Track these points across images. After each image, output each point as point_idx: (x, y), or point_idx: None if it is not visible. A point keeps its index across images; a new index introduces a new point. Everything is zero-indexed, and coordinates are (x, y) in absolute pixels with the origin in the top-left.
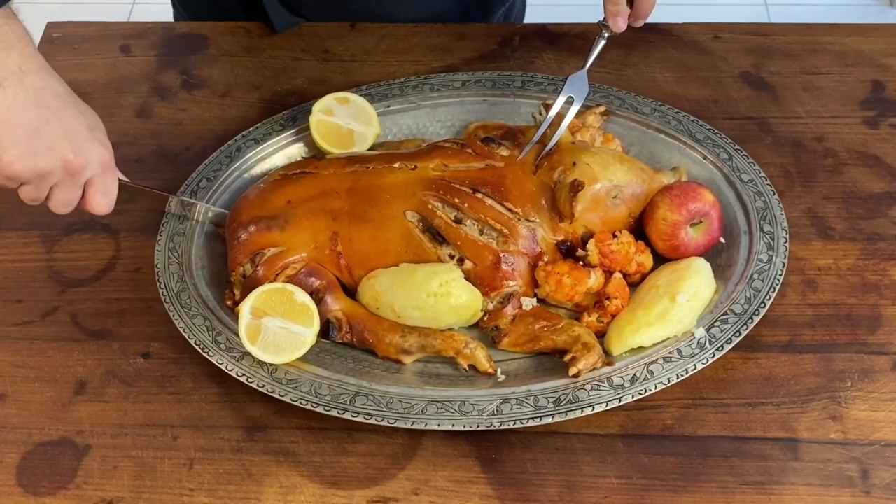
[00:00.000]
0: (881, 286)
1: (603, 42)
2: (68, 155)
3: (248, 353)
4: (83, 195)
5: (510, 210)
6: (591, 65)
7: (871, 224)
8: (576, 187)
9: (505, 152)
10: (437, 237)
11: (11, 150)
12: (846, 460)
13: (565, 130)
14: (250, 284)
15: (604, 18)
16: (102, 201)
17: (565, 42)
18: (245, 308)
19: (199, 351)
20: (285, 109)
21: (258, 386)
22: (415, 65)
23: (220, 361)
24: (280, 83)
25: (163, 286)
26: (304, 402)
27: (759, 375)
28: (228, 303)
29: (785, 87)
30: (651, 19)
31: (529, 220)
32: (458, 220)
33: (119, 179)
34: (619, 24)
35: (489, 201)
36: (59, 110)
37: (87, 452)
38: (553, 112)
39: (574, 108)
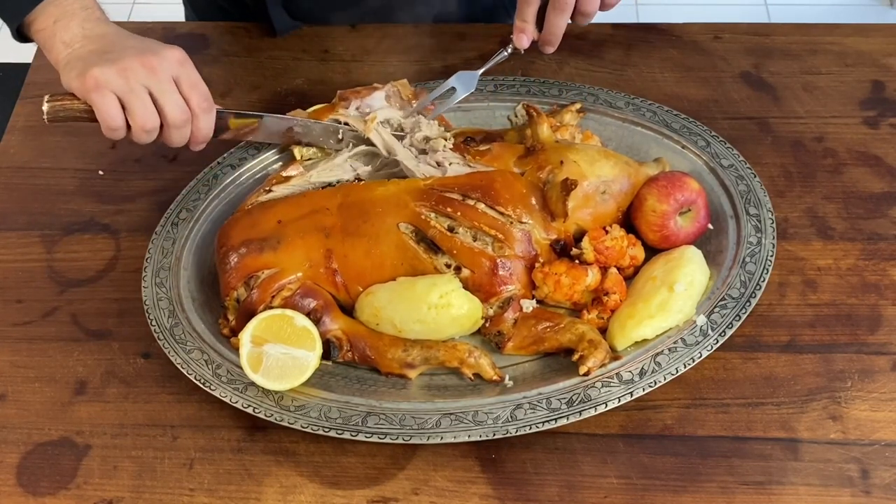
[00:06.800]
0: (881, 286)
1: (505, 54)
2: (140, 55)
3: (252, 383)
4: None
5: (502, 214)
6: (485, 70)
7: (871, 224)
8: (568, 186)
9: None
10: (433, 247)
11: (90, 68)
12: (846, 460)
13: (547, 130)
14: (245, 309)
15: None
16: (194, 94)
17: (566, 42)
18: (245, 336)
19: (201, 386)
20: (285, 109)
21: (266, 416)
22: (415, 65)
23: (224, 395)
24: (280, 83)
25: (154, 323)
26: (315, 427)
27: (759, 375)
28: (224, 331)
29: (785, 87)
30: (651, 19)
31: (522, 223)
32: (451, 229)
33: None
34: (522, 42)
35: (481, 207)
36: (124, 38)
37: (87, 452)
38: (433, 95)
39: (455, 98)
